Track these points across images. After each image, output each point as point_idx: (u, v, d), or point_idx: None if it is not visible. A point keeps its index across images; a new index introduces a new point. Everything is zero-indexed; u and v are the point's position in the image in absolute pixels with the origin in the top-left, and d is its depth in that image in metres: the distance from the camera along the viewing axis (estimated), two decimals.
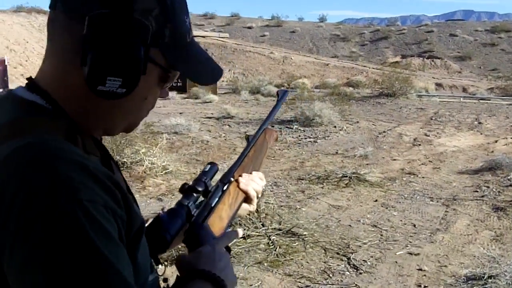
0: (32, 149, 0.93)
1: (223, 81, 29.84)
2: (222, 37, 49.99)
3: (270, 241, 6.12)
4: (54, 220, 0.86)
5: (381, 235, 6.69)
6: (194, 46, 1.21)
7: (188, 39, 1.18)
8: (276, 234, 6.34)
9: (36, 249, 0.85)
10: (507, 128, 15.86)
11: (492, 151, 12.36)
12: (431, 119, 17.49)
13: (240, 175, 1.60)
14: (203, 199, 1.44)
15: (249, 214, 6.55)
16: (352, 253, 6.04)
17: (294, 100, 18.73)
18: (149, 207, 7.49)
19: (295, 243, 6.19)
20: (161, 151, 10.12)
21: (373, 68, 38.88)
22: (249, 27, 70.51)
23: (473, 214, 7.64)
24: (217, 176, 1.52)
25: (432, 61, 51.79)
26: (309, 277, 5.43)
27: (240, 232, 1.52)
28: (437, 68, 50.11)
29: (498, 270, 5.40)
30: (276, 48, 49.28)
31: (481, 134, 14.89)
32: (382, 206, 7.88)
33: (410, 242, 6.48)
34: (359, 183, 9.00)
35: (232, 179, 1.56)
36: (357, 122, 16.41)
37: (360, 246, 6.28)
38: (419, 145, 13.16)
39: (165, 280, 1.34)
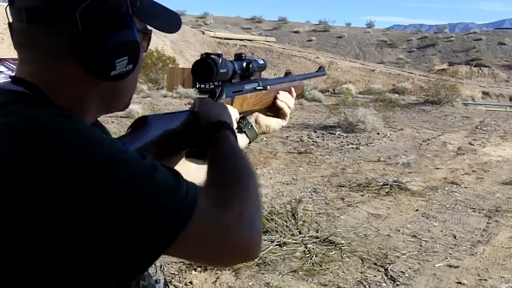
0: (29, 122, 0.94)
1: None
2: (268, 41, 50.12)
3: (307, 249, 6.04)
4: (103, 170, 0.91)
5: (421, 246, 6.56)
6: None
7: None
8: (313, 242, 6.25)
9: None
10: None
11: None
12: (476, 128, 17.21)
13: (278, 92, 1.85)
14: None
15: (286, 221, 6.51)
16: (390, 264, 5.93)
17: (337, 106, 18.61)
18: None
19: (331, 252, 6.10)
20: None
21: (420, 75, 38.56)
22: (296, 32, 70.51)
23: None
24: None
25: (480, 69, 51.16)
26: (344, 287, 5.35)
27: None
28: (484, 76, 49.50)
29: None
30: (322, 53, 49.23)
31: None
32: (422, 216, 7.75)
33: (450, 254, 6.34)
34: (400, 191, 8.86)
35: (268, 87, 1.79)
36: (401, 129, 16.22)
37: (398, 256, 6.16)
38: (463, 154, 12.93)
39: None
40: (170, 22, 1.28)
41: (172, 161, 1.39)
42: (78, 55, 1.04)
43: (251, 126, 1.78)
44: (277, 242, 6.08)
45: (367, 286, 5.40)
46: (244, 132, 1.75)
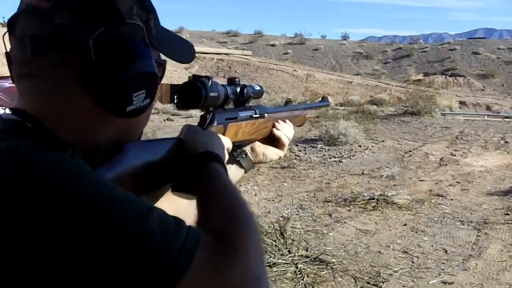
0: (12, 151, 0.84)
1: None
2: (245, 55, 50.09)
3: (298, 270, 5.92)
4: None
5: (412, 262, 6.47)
6: (163, 27, 1.14)
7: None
8: (304, 262, 6.12)
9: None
10: None
11: None
12: (457, 138, 17.19)
13: (277, 121, 1.71)
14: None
15: (275, 240, 6.39)
16: (383, 282, 5.82)
17: (318, 119, 18.54)
18: None
19: (323, 271, 5.98)
20: None
21: (396, 86, 38.75)
22: (272, 45, 70.50)
23: (506, 238, 7.41)
24: None
25: (455, 78, 51.52)
26: None
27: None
28: (460, 86, 49.86)
29: None
30: (299, 65, 49.27)
31: (508, 153, 14.54)
32: (411, 231, 7.66)
33: (442, 269, 6.25)
34: (387, 205, 8.78)
35: (266, 114, 1.63)
36: (383, 141, 16.15)
37: (391, 274, 6.06)
38: (446, 165, 12.89)
39: None
40: (183, 51, 1.18)
41: (155, 195, 1.22)
42: (90, 88, 0.93)
43: (246, 154, 1.64)
44: (267, 263, 5.94)
45: None
46: (238, 161, 1.61)
